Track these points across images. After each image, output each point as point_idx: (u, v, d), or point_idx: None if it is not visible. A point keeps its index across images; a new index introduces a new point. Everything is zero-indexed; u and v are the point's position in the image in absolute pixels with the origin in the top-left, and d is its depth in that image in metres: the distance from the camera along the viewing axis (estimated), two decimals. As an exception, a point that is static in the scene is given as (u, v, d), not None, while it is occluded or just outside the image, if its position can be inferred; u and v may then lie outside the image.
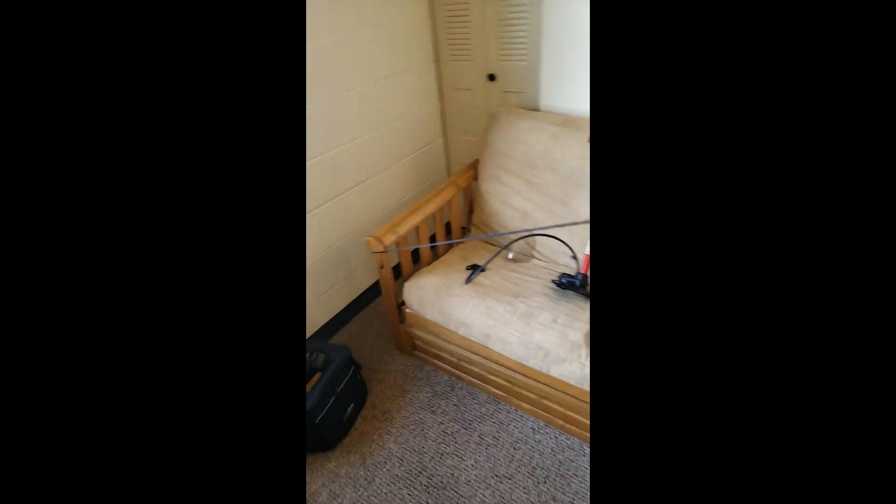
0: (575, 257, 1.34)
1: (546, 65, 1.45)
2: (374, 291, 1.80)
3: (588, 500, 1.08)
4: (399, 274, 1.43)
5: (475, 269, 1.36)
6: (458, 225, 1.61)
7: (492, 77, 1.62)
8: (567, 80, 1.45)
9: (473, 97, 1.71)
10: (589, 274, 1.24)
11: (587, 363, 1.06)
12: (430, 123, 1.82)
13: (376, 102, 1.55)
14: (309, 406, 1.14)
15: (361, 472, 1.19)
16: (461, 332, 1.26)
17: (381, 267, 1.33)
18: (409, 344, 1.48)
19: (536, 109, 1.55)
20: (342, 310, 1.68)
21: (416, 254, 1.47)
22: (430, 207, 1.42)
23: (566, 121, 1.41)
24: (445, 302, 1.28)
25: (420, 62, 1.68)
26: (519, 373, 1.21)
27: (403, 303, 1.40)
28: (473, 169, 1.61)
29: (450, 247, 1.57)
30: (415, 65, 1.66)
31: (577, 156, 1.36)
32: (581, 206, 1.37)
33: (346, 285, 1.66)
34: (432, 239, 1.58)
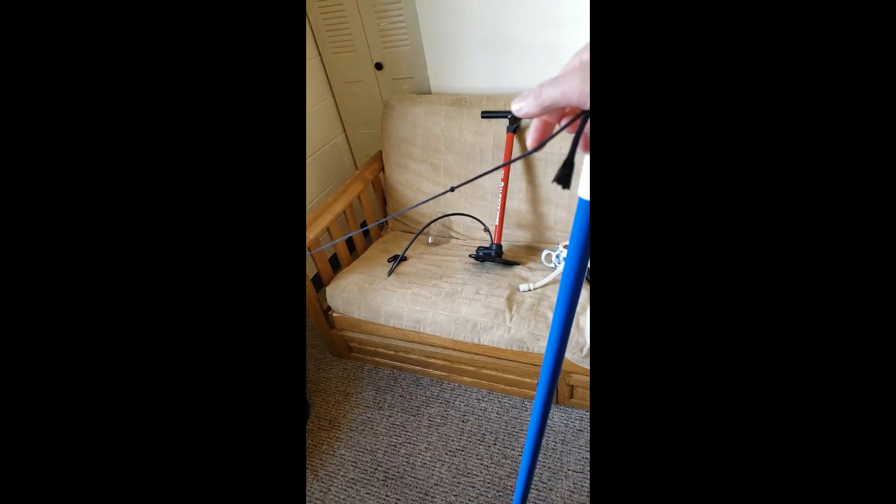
0: (487, 230, 1.40)
1: (429, 47, 1.47)
2: (300, 303, 1.73)
3: (535, 450, 1.16)
4: (320, 283, 1.38)
5: (396, 259, 1.36)
6: (373, 220, 1.59)
7: (379, 66, 1.60)
8: (452, 60, 1.48)
9: (365, 88, 1.68)
10: (502, 243, 1.31)
11: (512, 326, 1.13)
12: (327, 121, 1.76)
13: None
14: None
15: (315, 486, 1.16)
16: (392, 323, 1.27)
17: (298, 275, 1.27)
18: (345, 347, 1.45)
19: (428, 93, 1.57)
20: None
21: (335, 260, 1.44)
22: (339, 206, 1.38)
23: (457, 100, 1.45)
24: (371, 298, 1.27)
25: (302, 58, 1.61)
26: (454, 349, 1.25)
27: (329, 308, 1.36)
28: (378, 161, 1.60)
29: (369, 243, 1.55)
30: (297, 61, 1.59)
31: (472, 132, 1.41)
32: (484, 180, 1.43)
33: (267, 302, 1.57)
34: (350, 241, 1.54)
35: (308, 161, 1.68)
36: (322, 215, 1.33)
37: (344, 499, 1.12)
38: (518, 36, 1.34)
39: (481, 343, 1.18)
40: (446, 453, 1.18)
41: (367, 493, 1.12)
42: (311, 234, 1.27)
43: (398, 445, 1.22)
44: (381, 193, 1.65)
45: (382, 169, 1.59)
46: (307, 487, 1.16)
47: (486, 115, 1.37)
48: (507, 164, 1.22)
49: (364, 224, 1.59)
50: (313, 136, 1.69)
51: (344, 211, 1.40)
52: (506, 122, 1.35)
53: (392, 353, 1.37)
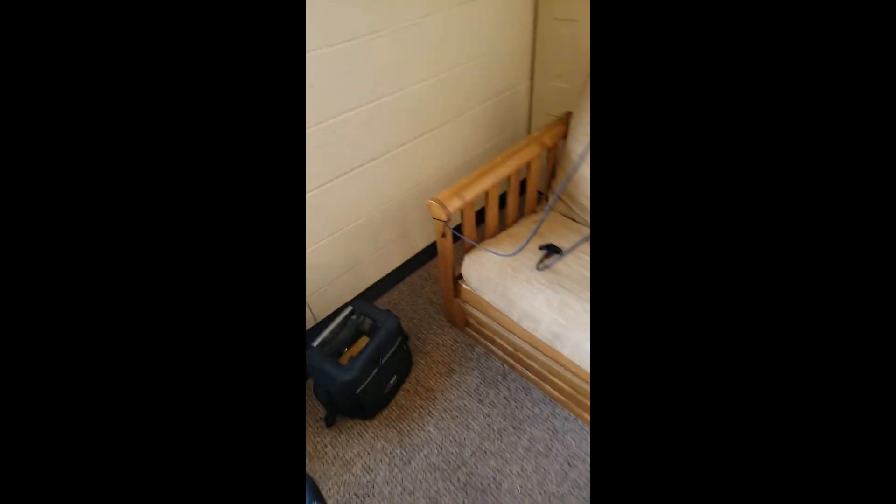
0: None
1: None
2: (429, 252, 1.66)
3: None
4: (459, 234, 1.24)
5: (551, 251, 1.13)
6: (534, 188, 1.36)
7: (607, 3, 1.25)
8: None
9: (578, 31, 1.35)
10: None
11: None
12: (516, 63, 1.51)
13: (455, 34, 1.28)
14: (351, 377, 1.07)
15: (398, 451, 1.12)
16: (525, 324, 1.08)
17: (443, 235, 1.15)
18: (462, 319, 1.34)
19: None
20: (395, 269, 1.56)
21: (480, 213, 1.27)
22: (505, 170, 1.18)
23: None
24: (510, 287, 1.09)
25: (515, -19, 1.35)
26: (587, 381, 1.02)
27: (461, 276, 1.23)
28: (564, 124, 1.32)
29: (521, 214, 1.34)
30: (508, -16, 1.33)
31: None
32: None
33: (401, 243, 1.53)
34: (503, 200, 1.35)
35: (481, 107, 1.49)
36: (484, 176, 1.15)
37: (421, 480, 1.06)
38: None
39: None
40: (540, 492, 1.02)
41: (444, 488, 1.04)
42: (468, 196, 1.11)
43: (489, 453, 1.10)
44: (553, 163, 1.39)
45: (565, 135, 1.31)
46: (390, 449, 1.13)
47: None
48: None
49: (523, 184, 1.37)
50: (496, 78, 1.47)
51: (510, 176, 1.20)
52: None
53: (511, 349, 1.21)
